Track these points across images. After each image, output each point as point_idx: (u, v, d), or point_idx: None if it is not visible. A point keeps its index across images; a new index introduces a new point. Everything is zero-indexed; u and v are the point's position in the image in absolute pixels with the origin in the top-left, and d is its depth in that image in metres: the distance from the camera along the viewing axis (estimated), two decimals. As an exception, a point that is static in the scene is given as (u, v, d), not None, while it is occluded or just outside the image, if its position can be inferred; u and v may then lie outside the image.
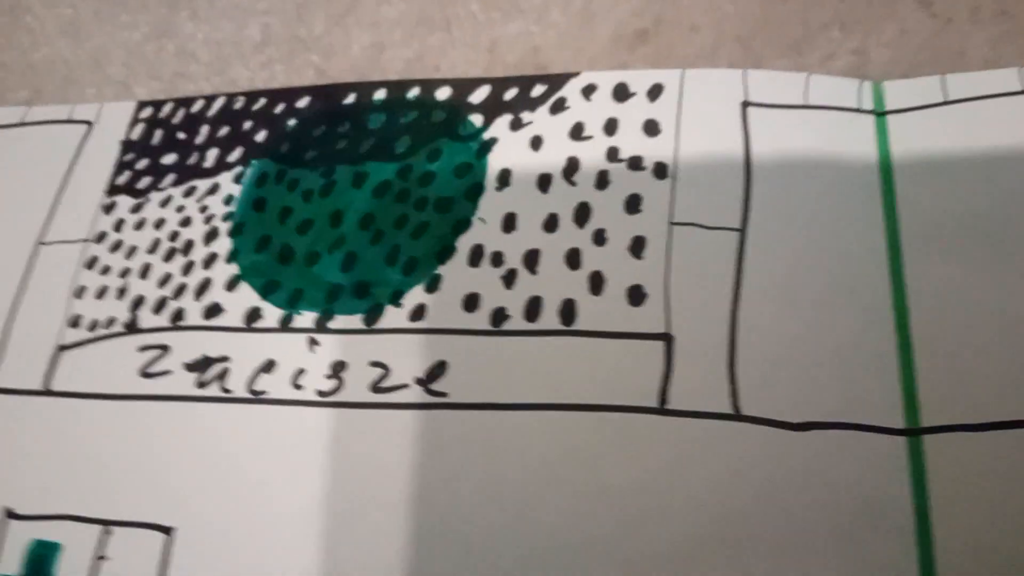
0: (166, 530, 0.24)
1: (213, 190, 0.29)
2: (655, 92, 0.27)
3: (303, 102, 0.30)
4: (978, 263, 0.23)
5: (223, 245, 0.28)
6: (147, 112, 0.31)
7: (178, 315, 0.27)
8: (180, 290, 0.28)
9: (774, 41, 0.29)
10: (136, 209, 0.29)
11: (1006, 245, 0.24)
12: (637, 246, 0.25)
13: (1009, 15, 0.28)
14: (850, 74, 0.28)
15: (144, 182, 0.30)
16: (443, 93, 0.29)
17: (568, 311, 0.25)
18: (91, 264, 0.29)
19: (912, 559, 0.21)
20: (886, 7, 0.29)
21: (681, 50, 0.29)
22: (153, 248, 0.29)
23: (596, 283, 0.25)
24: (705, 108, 0.27)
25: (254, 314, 0.27)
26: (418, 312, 0.26)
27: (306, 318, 0.26)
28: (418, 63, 0.31)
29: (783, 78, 0.27)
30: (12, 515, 0.26)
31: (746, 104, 0.26)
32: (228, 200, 0.29)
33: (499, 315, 0.25)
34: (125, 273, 0.28)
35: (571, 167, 0.27)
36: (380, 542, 0.23)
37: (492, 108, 0.28)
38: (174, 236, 0.29)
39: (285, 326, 0.26)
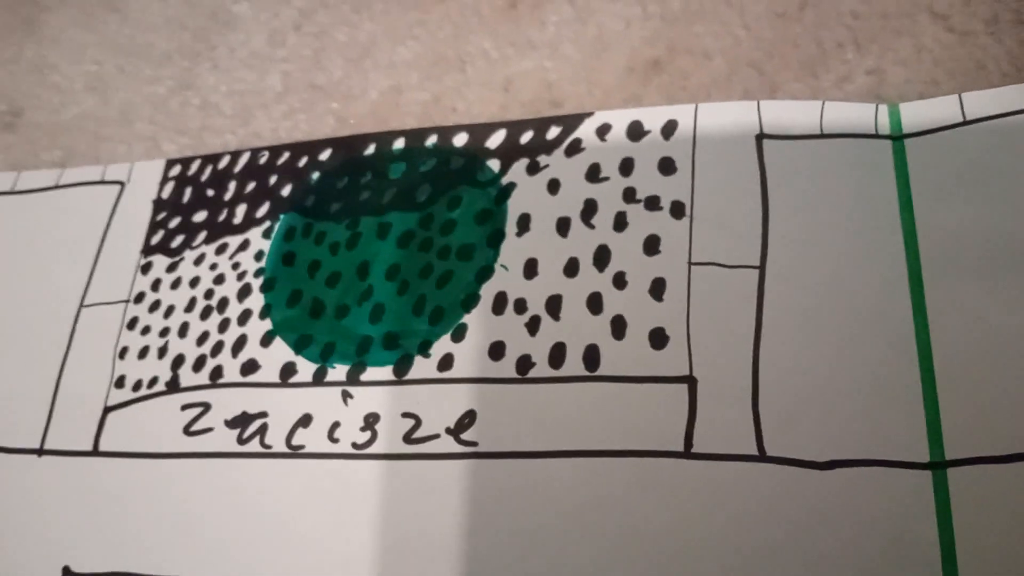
0: (216, 585, 0.25)
1: (244, 246, 0.30)
2: (669, 129, 0.27)
3: (325, 154, 0.31)
4: (1001, 289, 0.23)
5: (256, 301, 0.29)
6: (176, 170, 0.32)
7: (217, 372, 0.28)
8: (218, 347, 0.28)
9: (788, 65, 0.29)
10: (171, 268, 0.30)
11: (1029, 268, 0.23)
12: (657, 288, 0.25)
13: (1027, 25, 0.28)
14: (866, 95, 0.28)
15: (177, 240, 0.31)
16: (460, 139, 0.29)
17: (592, 357, 0.25)
18: (132, 324, 0.30)
19: (941, 595, 0.21)
20: (901, 23, 0.29)
21: (695, 79, 0.30)
22: (190, 307, 0.29)
23: (618, 327, 0.25)
24: (720, 143, 0.27)
25: (289, 369, 0.28)
26: (446, 362, 0.26)
27: (339, 371, 0.27)
28: (435, 104, 0.32)
29: (797, 108, 0.27)
30: (70, 573, 0.27)
31: (761, 136, 0.26)
32: (258, 256, 0.30)
33: (525, 363, 0.25)
34: (164, 332, 0.29)
35: (589, 209, 0.27)
36: (422, 585, 0.24)
37: (509, 153, 0.29)
38: (209, 294, 0.29)
39: (319, 380, 0.27)
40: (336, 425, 0.26)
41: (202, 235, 0.31)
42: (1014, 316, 0.23)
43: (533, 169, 0.28)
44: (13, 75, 0.38)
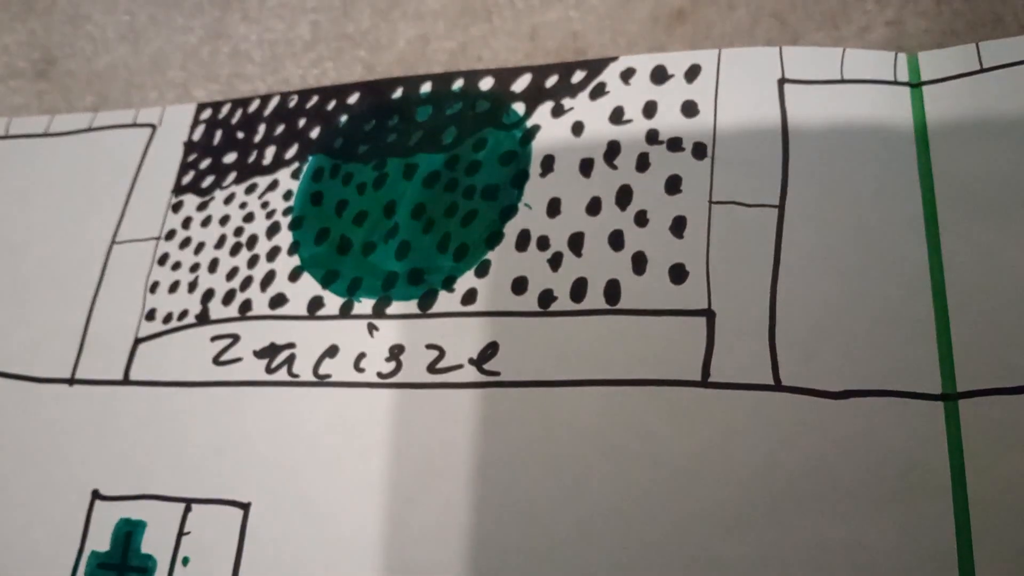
0: (243, 506, 0.26)
1: (273, 186, 0.31)
2: (692, 73, 0.28)
3: (353, 98, 0.31)
4: (1015, 230, 0.24)
5: (285, 238, 0.30)
6: (207, 114, 0.33)
7: (246, 306, 0.29)
8: (247, 282, 0.29)
9: (810, 15, 0.29)
10: (202, 207, 0.31)
11: (1043, 211, 0.24)
12: (678, 226, 0.26)
13: (1047, -21, 0.28)
14: (886, 45, 0.28)
15: (208, 181, 0.32)
16: (486, 83, 0.30)
17: (612, 291, 0.26)
18: (163, 260, 0.31)
19: (948, 519, 0.21)
20: (922, -24, 0.29)
21: (719, 28, 0.30)
22: (220, 243, 0.30)
23: (639, 263, 0.26)
24: (742, 87, 0.27)
25: (316, 303, 0.28)
26: (470, 296, 0.27)
27: (365, 305, 0.28)
28: (462, 53, 0.32)
29: (819, 54, 0.27)
30: (99, 496, 0.28)
31: (783, 81, 0.27)
32: (287, 195, 0.30)
33: (546, 297, 0.26)
34: (195, 268, 0.30)
35: (612, 151, 0.27)
36: (444, 513, 0.25)
37: (534, 96, 0.29)
38: (239, 231, 0.30)
39: (345, 313, 0.28)
40: (362, 356, 0.27)
41: (232, 175, 0.31)
42: (1026, 256, 0.24)
43: (558, 112, 0.29)
44: (47, 25, 0.39)
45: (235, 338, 0.28)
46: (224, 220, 0.31)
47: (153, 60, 0.37)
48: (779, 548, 0.22)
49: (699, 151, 0.27)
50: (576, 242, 0.27)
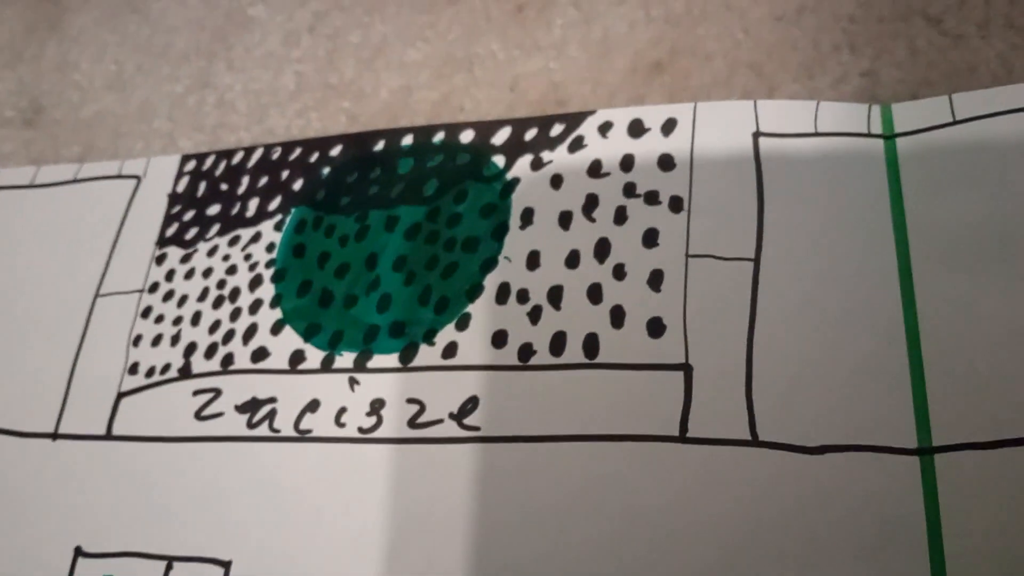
0: (224, 564, 0.26)
1: (256, 238, 0.31)
2: (669, 127, 0.28)
3: (336, 150, 0.32)
4: (988, 281, 0.24)
5: (267, 291, 0.30)
6: (191, 165, 0.33)
7: (228, 359, 0.29)
8: (229, 335, 0.29)
9: (786, 66, 0.30)
10: (185, 259, 0.31)
11: (1017, 262, 0.24)
12: (655, 279, 0.26)
13: (1017, 28, 0.28)
14: (861, 96, 0.28)
15: (191, 233, 0.32)
16: (467, 136, 0.30)
17: (591, 345, 0.26)
18: (146, 313, 0.31)
19: (925, 573, 0.21)
20: (896, 27, 0.29)
21: (696, 79, 0.30)
22: (203, 296, 0.30)
23: (617, 317, 0.26)
24: (717, 140, 0.27)
25: (298, 356, 0.28)
26: (450, 350, 0.27)
27: (346, 358, 0.28)
28: (444, 104, 0.33)
29: (793, 107, 0.27)
30: (82, 553, 0.28)
31: (757, 134, 0.27)
32: (270, 247, 0.30)
33: (526, 350, 0.26)
34: (178, 321, 0.30)
35: (590, 204, 0.28)
36: (426, 570, 0.25)
37: (513, 149, 0.29)
38: (221, 284, 0.30)
39: (327, 367, 0.28)
40: (343, 410, 0.27)
41: (215, 227, 0.32)
42: (1000, 306, 0.24)
43: (537, 165, 0.29)
44: (35, 73, 0.40)
45: (217, 392, 0.29)
46: (207, 272, 0.31)
47: (139, 109, 0.37)
48: (758, 604, 0.22)
49: (675, 204, 0.27)
50: (555, 295, 0.27)
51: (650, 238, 0.27)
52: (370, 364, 0.28)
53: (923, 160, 0.26)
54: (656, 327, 0.26)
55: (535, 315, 0.27)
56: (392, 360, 0.27)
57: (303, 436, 0.27)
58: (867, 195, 0.26)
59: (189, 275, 0.31)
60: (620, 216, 0.27)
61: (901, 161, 0.26)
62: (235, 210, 0.32)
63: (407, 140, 0.31)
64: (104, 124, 0.37)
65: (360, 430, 0.27)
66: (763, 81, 0.30)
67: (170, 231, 0.32)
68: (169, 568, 0.26)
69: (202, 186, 0.33)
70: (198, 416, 0.28)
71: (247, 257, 0.31)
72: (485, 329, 0.27)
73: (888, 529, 0.22)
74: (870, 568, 0.22)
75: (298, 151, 0.32)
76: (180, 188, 0.33)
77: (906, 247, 0.25)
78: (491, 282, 0.28)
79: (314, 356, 0.28)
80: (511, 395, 0.26)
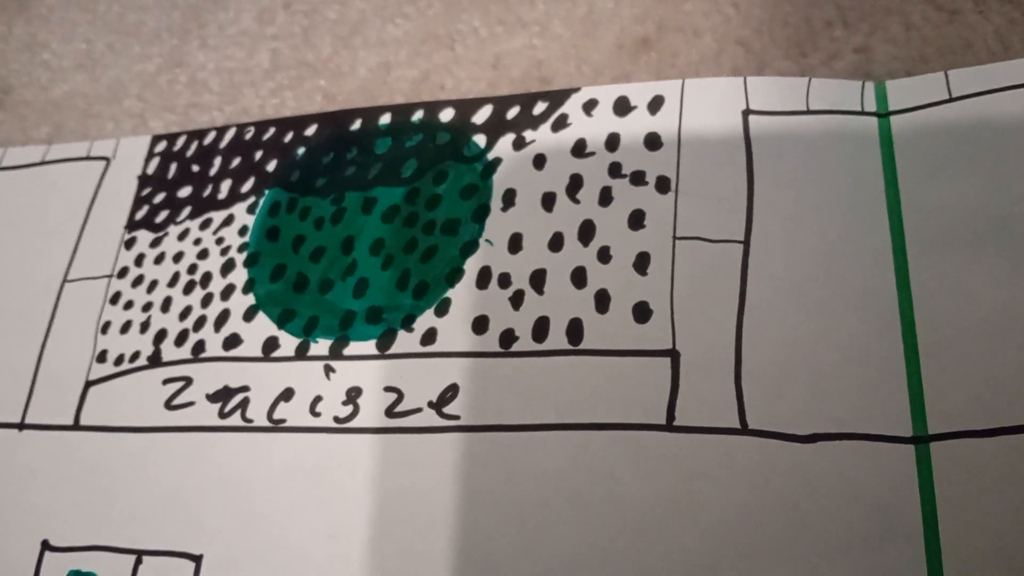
0: (195, 558, 0.25)
1: (228, 221, 0.30)
2: (656, 105, 0.27)
3: (311, 130, 0.31)
4: (985, 262, 0.23)
5: (239, 276, 0.29)
6: (162, 146, 0.32)
7: (199, 347, 0.28)
8: (200, 322, 0.28)
9: (777, 43, 0.29)
10: (155, 243, 0.30)
11: (1015, 244, 0.23)
12: (642, 262, 0.25)
13: (1016, 3, 0.27)
14: (854, 73, 0.28)
15: (162, 216, 0.31)
16: (447, 115, 0.29)
17: (575, 330, 0.25)
18: (115, 299, 0.30)
19: (920, 565, 0.21)
20: (890, 2, 0.29)
21: (684, 56, 0.29)
22: (173, 282, 0.29)
23: (602, 301, 0.25)
24: (706, 119, 0.27)
25: (271, 343, 0.27)
26: (429, 336, 0.26)
27: (321, 346, 0.27)
28: (424, 82, 0.32)
29: (784, 84, 0.26)
30: (49, 547, 0.27)
31: (747, 112, 0.26)
32: (243, 231, 0.29)
33: (508, 336, 0.25)
34: (147, 307, 0.29)
35: (574, 184, 0.27)
36: (404, 562, 0.24)
37: (495, 128, 0.28)
38: (192, 269, 0.29)
39: (301, 354, 0.27)
40: (318, 399, 0.26)
41: (186, 210, 0.30)
42: (998, 291, 0.23)
43: (519, 144, 0.28)
44: (3, 53, 0.38)
45: (188, 381, 0.28)
46: (178, 257, 0.30)
47: (110, 89, 0.36)
48: (747, 597, 0.21)
49: (662, 185, 0.26)
50: (538, 279, 0.26)
51: (636, 220, 0.26)
52: (346, 351, 0.27)
53: (918, 138, 0.25)
54: (642, 312, 0.25)
55: (517, 300, 0.26)
56: (369, 347, 0.26)
57: (277, 426, 0.26)
58: (860, 175, 0.25)
59: (159, 260, 0.30)
60: (605, 197, 0.26)
61: (896, 139, 0.25)
62: (207, 192, 0.30)
63: (385, 119, 0.30)
64: (73, 105, 0.36)
65: (336, 420, 0.26)
66: (753, 58, 0.29)
67: (140, 214, 0.31)
68: (139, 562, 0.26)
69: (173, 167, 0.31)
70: (168, 406, 0.27)
71: (219, 241, 0.29)
72: (465, 314, 0.26)
73: (882, 519, 0.21)
74: (864, 560, 0.21)
75: (272, 131, 0.31)
76: (150, 170, 0.32)
77: (901, 228, 0.24)
78: (472, 266, 0.27)
79: (288, 343, 0.27)
80: (492, 382, 0.25)
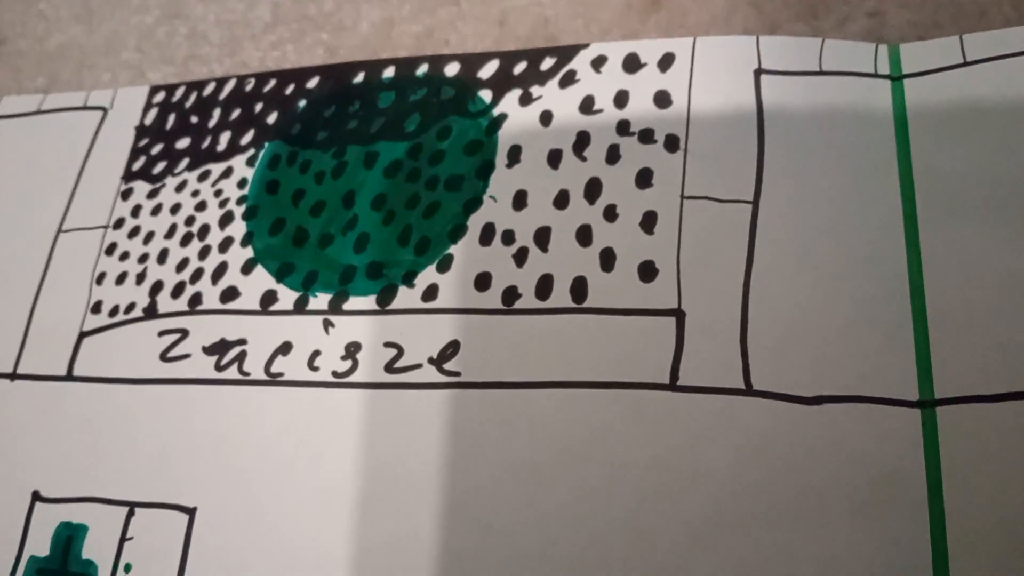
0: (188, 510, 0.25)
1: (227, 173, 0.29)
2: (666, 62, 0.27)
3: (313, 82, 0.30)
4: (996, 229, 0.23)
5: (238, 229, 0.28)
6: (160, 96, 0.32)
7: (196, 299, 0.28)
8: (197, 274, 0.28)
9: (789, 4, 0.28)
10: (152, 195, 0.30)
11: (1025, 210, 0.23)
12: (648, 221, 0.25)
13: (1032, -29, 0.27)
14: (867, 37, 0.27)
15: (159, 167, 0.30)
16: (452, 69, 0.29)
17: (579, 288, 0.25)
18: (110, 250, 0.29)
19: (924, 530, 0.21)
20: (904, -34, 0.28)
21: (694, 16, 0.29)
22: (170, 233, 0.29)
23: (607, 260, 0.25)
24: (717, 77, 0.26)
25: (270, 297, 0.27)
26: (430, 292, 0.26)
27: (321, 300, 0.26)
28: (428, 38, 0.31)
29: (797, 44, 0.26)
30: (40, 498, 0.26)
31: (759, 72, 0.26)
32: (242, 183, 0.29)
33: (511, 294, 0.25)
34: (143, 259, 0.29)
35: (581, 142, 0.26)
36: (402, 520, 0.23)
37: (501, 83, 0.28)
38: (190, 220, 0.29)
39: (300, 308, 0.27)
40: (316, 353, 0.26)
41: (184, 162, 0.30)
42: (1008, 257, 0.23)
43: (525, 100, 0.27)
44: (-3, 1, 0.38)
45: (184, 333, 0.27)
46: (175, 208, 0.29)
47: (107, 41, 0.35)
48: (747, 559, 0.21)
49: (671, 143, 0.26)
50: (543, 237, 0.25)
51: (644, 178, 0.25)
52: (346, 306, 0.26)
53: (931, 103, 0.25)
54: (648, 271, 0.24)
55: (521, 257, 0.25)
56: (369, 302, 0.26)
57: (274, 380, 0.26)
58: (872, 138, 0.25)
59: (156, 211, 0.29)
60: (613, 155, 0.26)
61: (908, 103, 0.25)
62: (205, 144, 0.30)
63: (388, 72, 0.29)
64: (69, 56, 0.35)
65: (334, 374, 0.25)
66: (764, 19, 0.28)
67: (137, 165, 0.30)
68: (131, 514, 0.25)
69: (171, 118, 0.31)
70: (163, 357, 0.27)
71: (217, 193, 0.29)
72: (468, 271, 0.26)
73: (887, 484, 0.21)
74: (867, 524, 0.21)
75: (273, 83, 0.30)
76: (148, 120, 0.31)
77: (911, 192, 0.24)
78: (475, 223, 0.26)
79: (287, 297, 0.27)
80: (494, 340, 0.25)
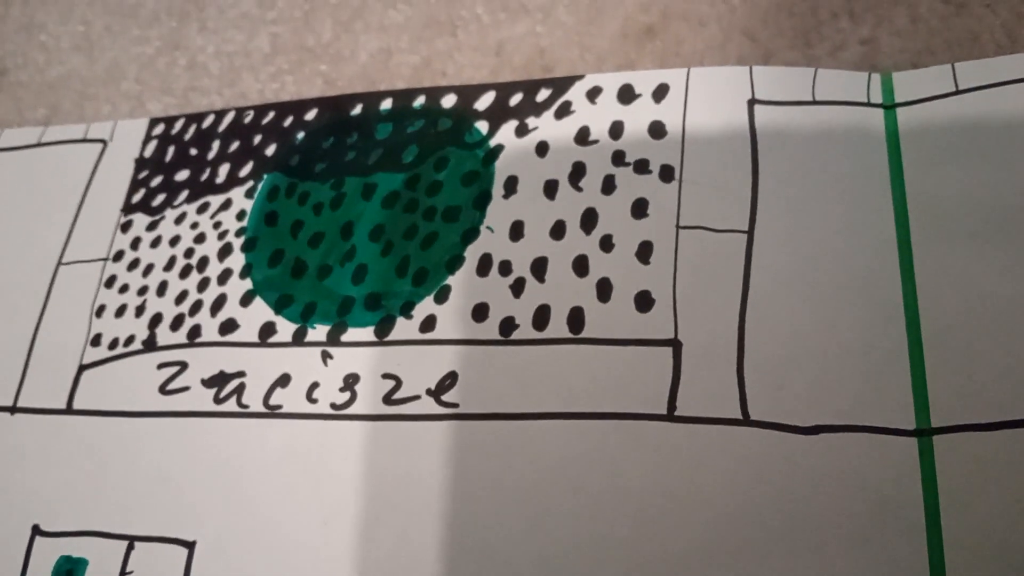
0: (188, 544, 0.25)
1: (226, 205, 0.29)
2: (660, 93, 0.27)
3: (311, 114, 0.30)
4: (991, 257, 0.23)
5: (237, 260, 0.28)
6: (159, 129, 0.32)
7: (195, 331, 0.28)
8: (196, 307, 0.28)
9: (783, 33, 0.29)
10: (152, 227, 0.30)
11: (1020, 236, 0.23)
12: (644, 251, 0.25)
13: (1024, -2, 0.27)
14: (860, 64, 0.27)
15: (159, 199, 0.30)
16: (449, 101, 0.29)
17: (576, 319, 0.25)
18: (110, 283, 0.29)
19: (923, 558, 0.21)
20: (896, -6, 0.28)
21: (689, 45, 0.29)
22: (169, 265, 0.29)
23: (604, 290, 0.25)
24: (711, 107, 0.26)
25: (268, 329, 0.27)
26: (428, 323, 0.26)
27: (319, 332, 0.27)
28: (425, 68, 0.31)
29: (790, 74, 0.26)
30: (40, 532, 0.26)
31: (752, 102, 0.26)
32: (241, 215, 0.29)
33: (508, 324, 0.25)
34: (143, 291, 0.29)
35: (577, 172, 0.26)
36: (401, 551, 0.23)
37: (497, 114, 0.28)
38: (189, 253, 0.29)
39: (299, 340, 0.27)
40: (315, 385, 0.26)
41: (184, 194, 0.30)
42: (1003, 284, 0.23)
43: (522, 131, 0.28)
44: (0, 34, 0.38)
45: (183, 365, 0.27)
46: (174, 241, 0.29)
47: (107, 71, 0.35)
48: (747, 589, 0.21)
49: (666, 173, 0.26)
50: (539, 267, 0.26)
51: (639, 208, 0.25)
52: (344, 337, 0.26)
53: (924, 131, 0.25)
54: (644, 301, 0.24)
55: (518, 288, 0.25)
56: (367, 334, 0.26)
57: (273, 412, 0.26)
58: (866, 166, 0.25)
59: (155, 243, 0.29)
60: (608, 185, 0.26)
61: (901, 131, 0.25)
62: (205, 176, 0.30)
63: (386, 104, 0.30)
64: (70, 86, 0.36)
65: (333, 406, 0.25)
66: (758, 48, 0.28)
67: (136, 197, 0.31)
68: (131, 548, 0.25)
69: (171, 151, 0.31)
70: (163, 390, 0.27)
71: (216, 225, 0.29)
72: (465, 302, 0.26)
73: (884, 513, 0.21)
74: (865, 553, 0.21)
75: (271, 115, 0.31)
76: (148, 153, 0.31)
77: (906, 221, 0.24)
78: (472, 253, 0.26)
79: (285, 329, 0.27)
80: (492, 371, 0.25)
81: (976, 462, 0.21)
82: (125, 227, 0.30)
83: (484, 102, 0.29)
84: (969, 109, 0.25)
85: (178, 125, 0.32)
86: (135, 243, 0.30)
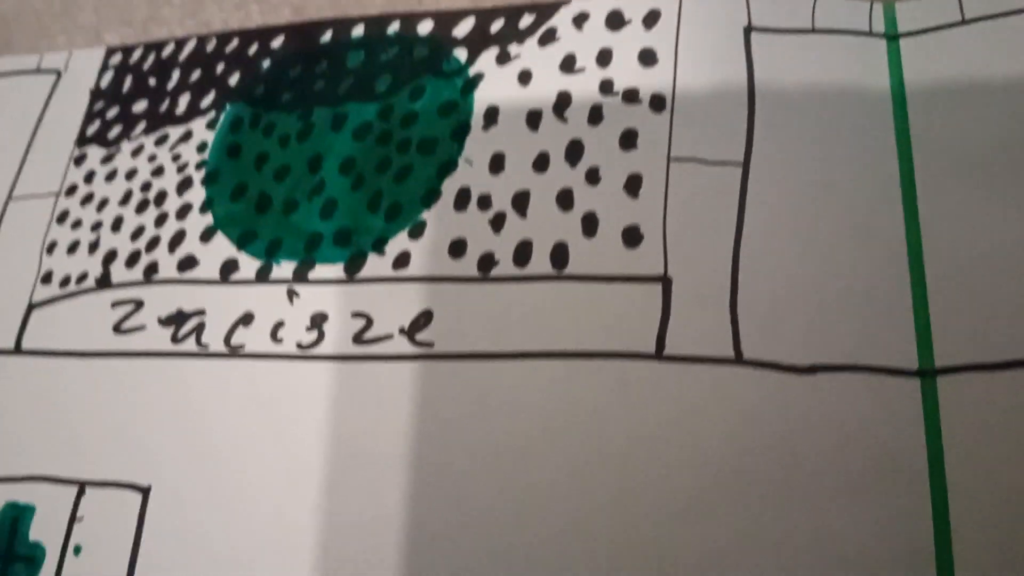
0: (143, 489, 0.23)
1: (186, 137, 0.28)
2: (651, 19, 0.25)
3: (277, 42, 0.28)
4: (997, 194, 0.22)
5: (197, 194, 0.27)
6: (116, 58, 0.30)
7: (152, 268, 0.26)
8: (153, 243, 0.26)
9: (778, -36, 0.27)
10: (107, 160, 0.28)
11: (1027, 174, 0.22)
12: (633, 184, 0.24)
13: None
14: (860, -5, 0.26)
15: (115, 131, 0.28)
16: (425, 27, 0.27)
17: (560, 255, 0.23)
18: (62, 218, 0.28)
19: (925, 504, 0.20)
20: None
21: (679, -24, 0.28)
22: (125, 200, 0.27)
23: (589, 225, 0.23)
24: (705, 35, 0.25)
25: (230, 266, 0.25)
26: (402, 260, 0.24)
27: (284, 269, 0.25)
28: (401, -2, 0.30)
29: (788, 1, 0.25)
30: (-15, 478, 0.25)
31: (749, 29, 0.25)
32: (202, 147, 0.27)
33: (487, 261, 0.24)
34: (97, 226, 0.27)
35: (562, 102, 0.25)
36: (371, 498, 0.22)
37: (477, 42, 0.27)
38: (146, 187, 0.27)
39: (263, 277, 0.25)
40: (280, 324, 0.24)
41: (141, 125, 0.28)
42: (1009, 222, 0.22)
43: (503, 59, 0.26)
44: (-54, -38, 0.36)
45: (138, 304, 0.26)
46: (131, 174, 0.28)
47: (63, 3, 0.33)
48: (739, 537, 0.20)
49: (657, 103, 0.24)
50: (521, 201, 0.24)
51: (628, 140, 0.24)
52: (312, 275, 0.25)
53: (929, 62, 0.24)
54: (632, 236, 0.23)
55: (498, 223, 0.24)
56: (336, 271, 0.25)
57: (234, 352, 0.24)
58: (868, 99, 0.23)
59: (111, 177, 0.28)
60: (595, 116, 0.25)
61: (905, 63, 0.24)
62: (164, 107, 0.28)
63: (358, 31, 0.28)
64: (24, 19, 0.34)
65: (299, 346, 0.24)
66: (753, -22, 0.27)
67: (91, 129, 0.29)
68: (81, 493, 0.24)
69: (128, 81, 0.29)
70: (117, 329, 0.25)
71: (176, 158, 0.27)
72: (441, 238, 0.24)
73: (885, 457, 0.20)
74: (865, 499, 0.20)
75: (235, 43, 0.29)
76: (104, 83, 0.30)
77: (909, 155, 0.23)
78: (449, 187, 0.25)
79: (249, 265, 0.25)
80: (469, 309, 0.23)
81: (981, 403, 0.20)
82: (79, 160, 0.28)
83: (463, 28, 0.27)
84: (975, 40, 0.24)
85: (136, 54, 0.30)
86: (89, 176, 0.28)
